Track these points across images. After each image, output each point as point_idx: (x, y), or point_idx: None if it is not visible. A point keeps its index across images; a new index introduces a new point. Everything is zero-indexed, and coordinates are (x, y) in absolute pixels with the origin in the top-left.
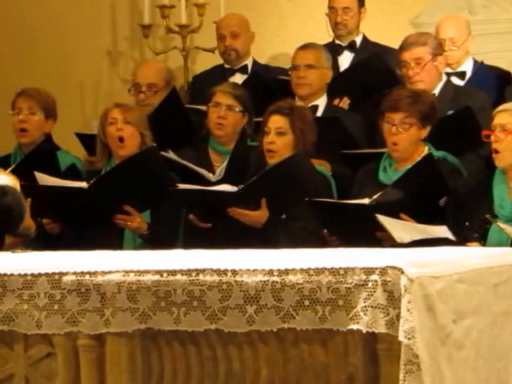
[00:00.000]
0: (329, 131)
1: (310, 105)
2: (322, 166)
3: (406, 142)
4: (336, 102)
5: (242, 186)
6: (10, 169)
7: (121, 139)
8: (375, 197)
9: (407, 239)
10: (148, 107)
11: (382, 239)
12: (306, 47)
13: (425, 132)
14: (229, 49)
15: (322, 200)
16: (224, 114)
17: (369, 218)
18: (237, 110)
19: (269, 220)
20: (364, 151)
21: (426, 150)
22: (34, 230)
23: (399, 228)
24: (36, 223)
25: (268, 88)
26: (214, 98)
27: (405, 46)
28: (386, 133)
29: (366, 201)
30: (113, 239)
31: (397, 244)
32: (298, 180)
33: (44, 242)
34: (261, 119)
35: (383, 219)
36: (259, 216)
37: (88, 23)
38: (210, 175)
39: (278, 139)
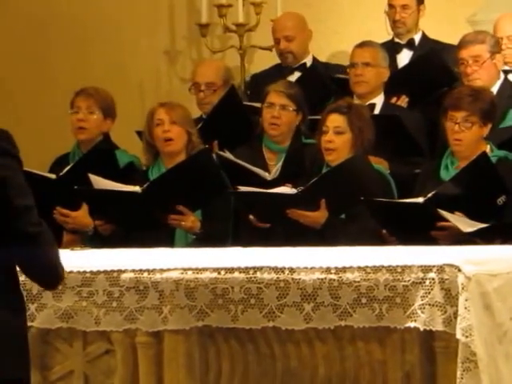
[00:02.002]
0: (388, 129)
1: (367, 103)
2: (381, 165)
3: (468, 139)
4: (394, 100)
5: (301, 188)
6: (68, 167)
7: (168, 140)
8: (429, 195)
9: (472, 229)
10: (208, 105)
11: (438, 238)
12: (363, 45)
13: (486, 130)
14: (284, 52)
15: (377, 199)
16: (278, 114)
17: (424, 215)
18: (290, 109)
19: (328, 221)
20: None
21: (487, 148)
22: (92, 228)
23: (462, 221)
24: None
25: (324, 85)
26: (267, 98)
27: (463, 43)
28: (449, 131)
29: (420, 199)
30: (164, 239)
31: (453, 243)
32: (357, 181)
33: (99, 240)
34: (318, 117)
35: (446, 213)
36: (318, 217)
37: (146, 23)
38: (265, 174)
39: (337, 138)
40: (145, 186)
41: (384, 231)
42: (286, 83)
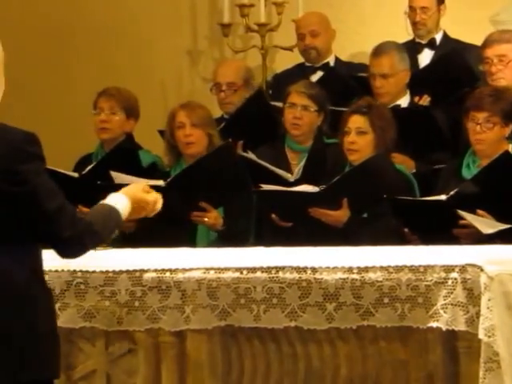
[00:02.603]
0: (416, 124)
1: (392, 105)
2: (405, 164)
3: (489, 140)
4: (416, 99)
5: (323, 186)
6: (90, 166)
7: (189, 143)
8: (452, 193)
9: (492, 231)
10: (229, 105)
11: (460, 237)
12: (378, 54)
13: (508, 130)
14: (309, 47)
15: (399, 197)
16: (299, 115)
17: (446, 214)
18: (312, 109)
19: (350, 219)
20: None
21: (510, 147)
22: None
23: (482, 222)
24: None
25: (346, 85)
26: (289, 99)
27: (488, 42)
28: (471, 131)
29: (443, 197)
30: (185, 236)
31: (475, 241)
32: (379, 179)
33: (121, 239)
34: (340, 109)
35: (465, 214)
36: (340, 215)
37: (168, 23)
38: (288, 175)
39: (359, 138)
40: (168, 180)
41: (406, 230)
42: (308, 83)
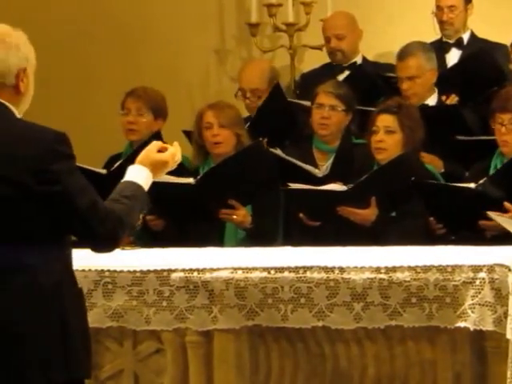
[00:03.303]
0: (445, 121)
1: (420, 103)
2: (433, 164)
3: None
4: (443, 99)
5: (352, 184)
6: (117, 164)
7: (217, 143)
8: (481, 181)
9: None
10: (255, 110)
11: (486, 228)
12: (404, 56)
13: None
14: (335, 50)
15: (428, 182)
16: (327, 115)
17: (473, 203)
18: (339, 109)
19: (378, 218)
20: (479, 138)
21: None
22: (140, 224)
23: (509, 222)
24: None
25: (373, 84)
26: (316, 99)
27: None
28: (497, 132)
29: (472, 185)
30: (213, 235)
31: (500, 237)
32: (407, 178)
33: (149, 238)
34: (367, 109)
35: (494, 215)
36: (369, 214)
37: (196, 22)
38: (316, 171)
39: (387, 137)
40: (198, 177)
41: (431, 219)
42: (335, 83)
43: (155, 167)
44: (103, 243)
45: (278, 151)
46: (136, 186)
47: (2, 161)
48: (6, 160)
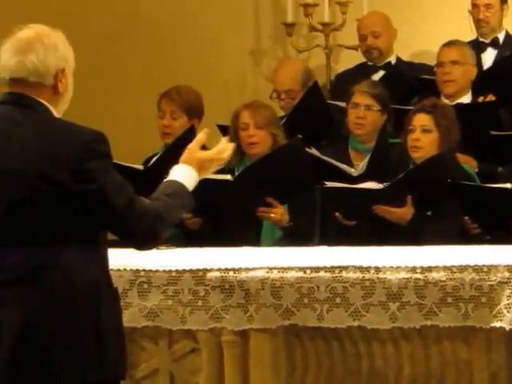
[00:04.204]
0: (481, 118)
1: (454, 102)
2: (468, 164)
3: None
4: (480, 99)
5: (388, 183)
6: (154, 159)
7: (252, 144)
8: None
9: None
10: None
11: None
12: (450, 44)
13: None
14: (370, 48)
15: (464, 183)
16: (363, 115)
17: (510, 202)
18: (375, 109)
19: (414, 217)
20: None
21: None
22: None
23: None
24: None
25: (408, 83)
26: (352, 99)
27: None
28: None
29: (508, 185)
30: (250, 234)
31: None
32: (443, 177)
33: (184, 237)
34: (403, 108)
35: None
36: (404, 213)
37: (231, 22)
38: (351, 170)
39: (424, 136)
40: (236, 174)
41: (466, 218)
42: (371, 83)
43: (200, 166)
44: (142, 241)
45: (313, 150)
46: (178, 185)
47: (41, 160)
48: (45, 159)
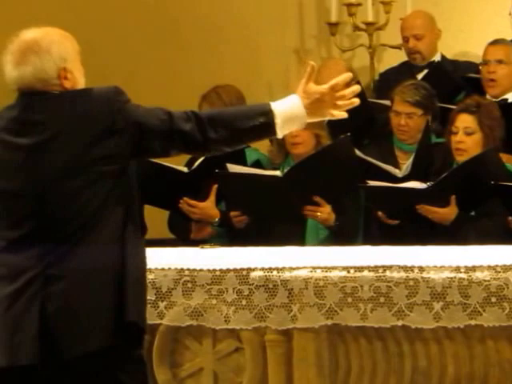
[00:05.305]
0: None
1: (499, 98)
2: (511, 163)
3: None
4: None
5: (432, 183)
6: (198, 162)
7: (295, 144)
8: None
9: None
10: None
11: None
12: (496, 43)
13: None
14: (413, 51)
15: (507, 184)
16: (405, 123)
17: None
18: (416, 116)
19: (458, 217)
20: None
21: None
22: (218, 220)
23: None
24: (221, 213)
25: (452, 81)
26: (393, 105)
27: None
28: None
29: None
30: (295, 234)
31: None
32: (487, 177)
33: (228, 237)
34: (448, 106)
35: None
36: (448, 213)
37: (275, 22)
38: (396, 171)
39: (467, 138)
40: (286, 170)
41: (510, 218)
42: (412, 89)
43: (310, 97)
44: (194, 139)
45: (358, 152)
46: (261, 104)
47: (81, 135)
48: (83, 132)
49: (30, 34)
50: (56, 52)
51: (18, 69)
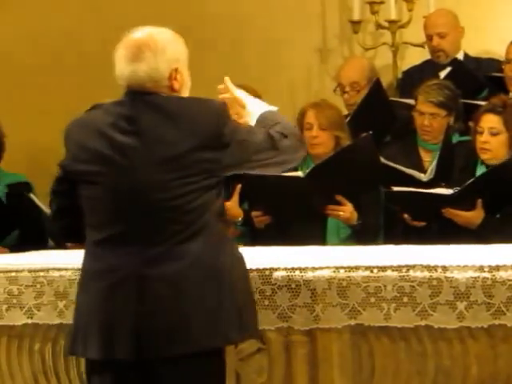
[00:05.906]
0: None
1: None
2: None
3: None
4: None
5: (458, 188)
6: None
7: (314, 144)
8: None
9: None
10: (353, 106)
11: None
12: None
13: None
14: (436, 49)
15: None
16: (428, 123)
17: None
18: (440, 117)
19: (484, 220)
20: None
21: None
22: (241, 219)
23: None
24: (244, 212)
25: (474, 78)
26: (417, 105)
27: None
28: None
29: None
30: (315, 232)
31: None
32: None
33: (250, 236)
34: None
35: None
36: (474, 217)
37: (298, 20)
38: (421, 175)
39: (492, 139)
40: (308, 170)
41: None
42: (436, 89)
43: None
44: (291, 155)
45: (382, 159)
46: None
47: (189, 140)
48: (189, 138)
49: (145, 32)
50: (170, 52)
51: (131, 66)
